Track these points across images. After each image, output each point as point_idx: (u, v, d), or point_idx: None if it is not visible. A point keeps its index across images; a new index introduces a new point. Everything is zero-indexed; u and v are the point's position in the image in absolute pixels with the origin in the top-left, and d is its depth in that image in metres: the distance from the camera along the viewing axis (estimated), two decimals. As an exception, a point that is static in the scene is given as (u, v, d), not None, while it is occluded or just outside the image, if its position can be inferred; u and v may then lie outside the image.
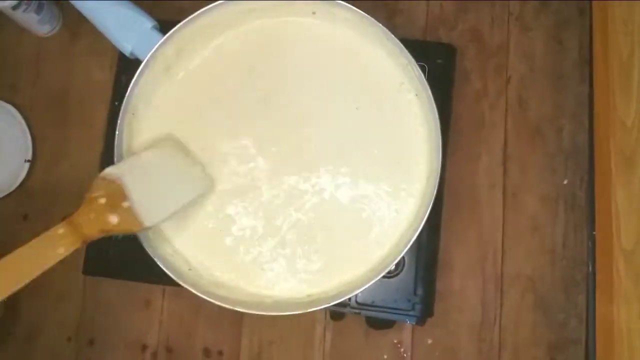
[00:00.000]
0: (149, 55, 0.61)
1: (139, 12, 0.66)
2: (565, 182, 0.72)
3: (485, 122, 0.74)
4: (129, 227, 0.55)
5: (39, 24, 0.77)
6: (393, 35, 0.61)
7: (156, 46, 0.61)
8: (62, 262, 0.72)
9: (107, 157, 0.65)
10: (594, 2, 0.73)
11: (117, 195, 0.54)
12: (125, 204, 0.54)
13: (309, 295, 0.62)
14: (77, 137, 0.77)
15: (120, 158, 0.62)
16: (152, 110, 0.65)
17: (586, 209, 0.71)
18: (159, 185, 0.59)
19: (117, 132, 0.61)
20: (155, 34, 0.65)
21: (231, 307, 0.58)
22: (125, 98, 0.61)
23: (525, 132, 0.73)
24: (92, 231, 0.52)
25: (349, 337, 0.71)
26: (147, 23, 0.65)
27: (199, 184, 0.63)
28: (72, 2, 0.66)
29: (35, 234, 0.50)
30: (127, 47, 0.65)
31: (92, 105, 0.77)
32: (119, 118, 0.61)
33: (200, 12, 0.62)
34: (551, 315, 0.69)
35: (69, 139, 0.77)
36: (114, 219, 0.53)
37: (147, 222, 0.55)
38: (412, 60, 0.60)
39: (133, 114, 0.63)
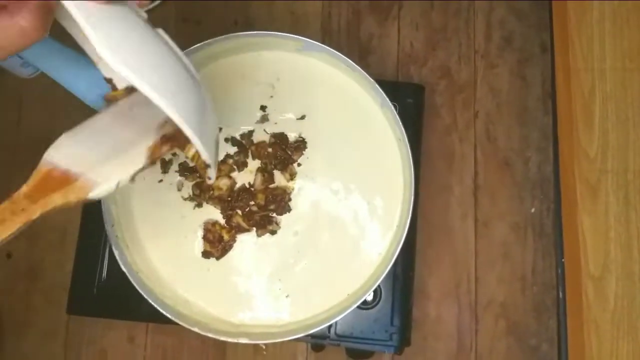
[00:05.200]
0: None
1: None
2: (533, 210, 0.75)
3: (455, 154, 0.77)
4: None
5: (22, 67, 0.78)
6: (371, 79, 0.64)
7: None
8: (46, 301, 0.74)
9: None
10: (555, 39, 0.77)
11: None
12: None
13: (287, 325, 0.64)
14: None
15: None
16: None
17: (553, 236, 0.74)
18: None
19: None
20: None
21: (215, 337, 0.60)
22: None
23: (494, 163, 0.76)
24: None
25: (330, 368, 0.72)
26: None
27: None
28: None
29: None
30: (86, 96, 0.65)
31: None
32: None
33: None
34: (524, 340, 0.72)
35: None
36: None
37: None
38: (388, 101, 0.63)
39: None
